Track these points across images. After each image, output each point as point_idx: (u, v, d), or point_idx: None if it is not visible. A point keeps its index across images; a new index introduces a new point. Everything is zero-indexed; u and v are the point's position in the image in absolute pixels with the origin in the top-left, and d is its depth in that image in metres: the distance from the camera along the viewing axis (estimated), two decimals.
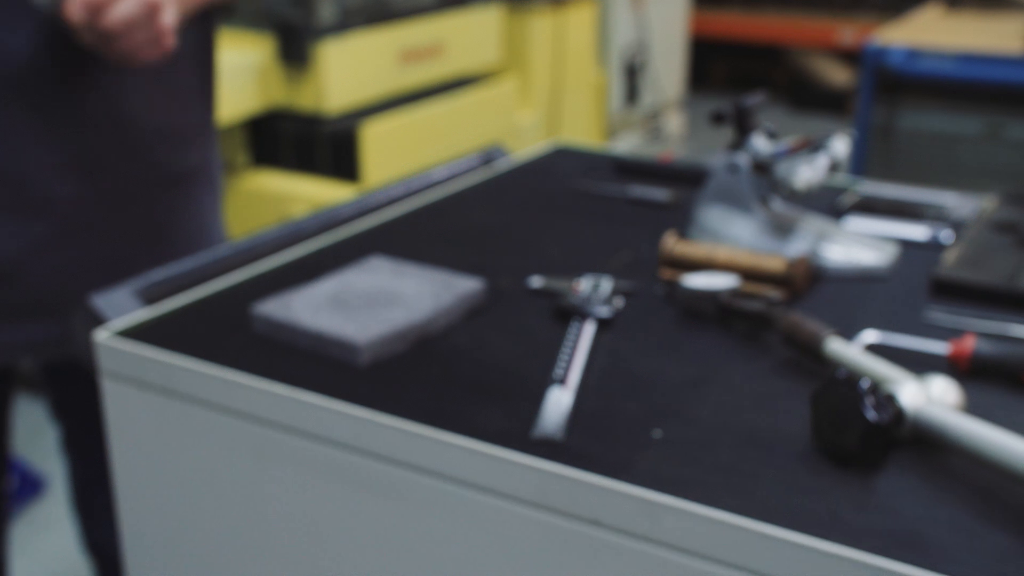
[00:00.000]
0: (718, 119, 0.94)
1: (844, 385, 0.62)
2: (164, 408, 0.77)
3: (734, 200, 0.95)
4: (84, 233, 1.08)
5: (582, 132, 3.84)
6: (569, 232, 1.03)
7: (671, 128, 4.76)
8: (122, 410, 0.80)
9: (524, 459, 0.63)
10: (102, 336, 0.79)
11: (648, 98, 4.46)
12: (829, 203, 1.08)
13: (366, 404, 0.70)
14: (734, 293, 0.82)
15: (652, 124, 4.61)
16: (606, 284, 0.86)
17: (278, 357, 0.77)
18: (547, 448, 0.65)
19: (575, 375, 0.73)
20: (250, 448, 0.74)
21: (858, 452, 0.61)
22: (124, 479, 0.82)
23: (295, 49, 2.83)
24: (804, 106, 5.52)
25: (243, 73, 2.78)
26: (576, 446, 0.65)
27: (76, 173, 1.06)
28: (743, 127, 0.95)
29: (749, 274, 0.87)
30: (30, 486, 2.26)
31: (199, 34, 1.16)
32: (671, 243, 0.91)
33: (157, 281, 0.87)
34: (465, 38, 3.25)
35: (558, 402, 0.69)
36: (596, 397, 0.71)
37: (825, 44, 5.67)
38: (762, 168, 0.94)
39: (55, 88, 1.03)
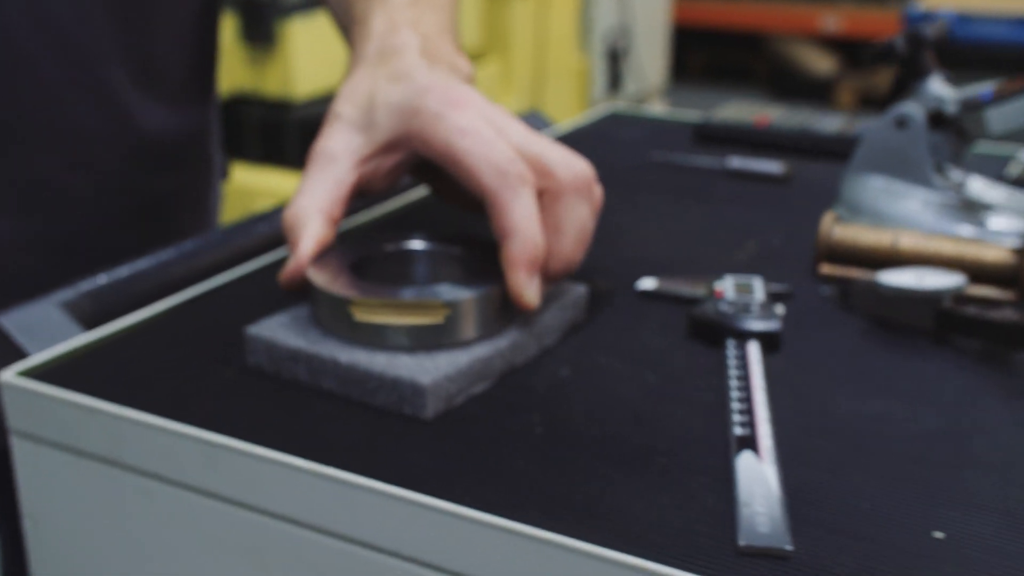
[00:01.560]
0: (885, 54, 0.68)
1: None
2: (111, 486, 0.49)
3: (903, 167, 0.69)
4: (20, 287, 0.68)
5: (565, 120, 3.59)
6: (666, 215, 0.76)
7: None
8: (44, 488, 0.52)
9: None
10: (9, 376, 0.51)
11: (632, 85, 4.21)
12: (993, 174, 0.83)
13: (442, 488, 0.42)
14: (960, 296, 0.55)
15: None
16: (758, 286, 0.60)
17: (289, 407, 0.49)
18: (772, 568, 0.38)
19: (765, 433, 0.46)
20: (249, 552, 0.47)
21: None
22: None
23: (260, 28, 2.56)
24: (786, 95, 5.29)
25: None
26: (816, 560, 0.39)
27: (12, 206, 0.72)
28: (917, 66, 0.69)
29: (953, 268, 0.61)
30: None
31: (203, 7, 0.81)
32: (830, 226, 0.64)
33: (95, 291, 0.59)
34: None
35: (763, 484, 0.42)
36: (802, 466, 0.45)
37: (807, 31, 5.45)
38: (945, 122, 0.68)
39: None
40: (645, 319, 0.59)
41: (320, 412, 0.49)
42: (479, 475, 0.44)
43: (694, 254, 0.69)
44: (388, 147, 0.57)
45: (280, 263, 0.65)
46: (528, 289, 0.51)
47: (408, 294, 0.51)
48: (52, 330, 0.56)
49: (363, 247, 0.56)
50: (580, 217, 0.54)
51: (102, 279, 0.61)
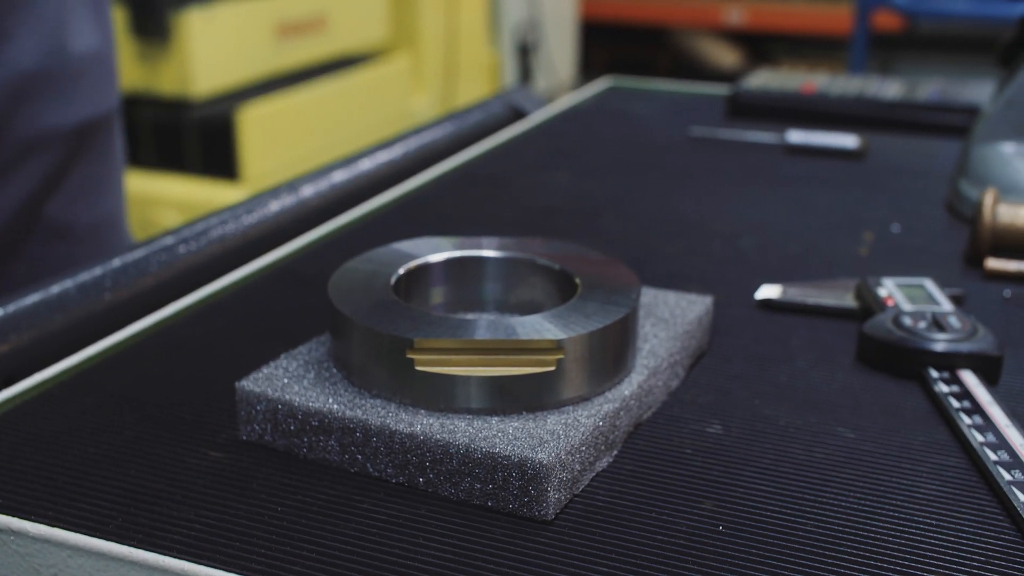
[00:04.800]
0: None
1: None
2: None
3: None
4: None
5: None
6: (739, 202, 0.60)
7: None
8: None
9: None
10: None
11: (542, 80, 4.07)
12: None
13: None
14: None
15: None
16: (934, 290, 0.44)
17: (322, 508, 0.31)
18: None
19: None
20: None
21: None
22: None
23: (151, 21, 2.34)
24: None
25: None
26: None
27: None
28: None
29: None
30: None
31: None
32: (993, 208, 0.49)
33: None
34: (349, 11, 2.82)
35: None
36: None
37: (711, 24, 5.37)
38: None
39: None
40: (784, 340, 0.42)
41: (372, 514, 0.31)
42: None
43: (799, 250, 0.52)
44: None
45: (265, 282, 0.47)
46: None
47: (484, 328, 0.33)
48: None
49: (401, 256, 0.39)
50: None
51: None
